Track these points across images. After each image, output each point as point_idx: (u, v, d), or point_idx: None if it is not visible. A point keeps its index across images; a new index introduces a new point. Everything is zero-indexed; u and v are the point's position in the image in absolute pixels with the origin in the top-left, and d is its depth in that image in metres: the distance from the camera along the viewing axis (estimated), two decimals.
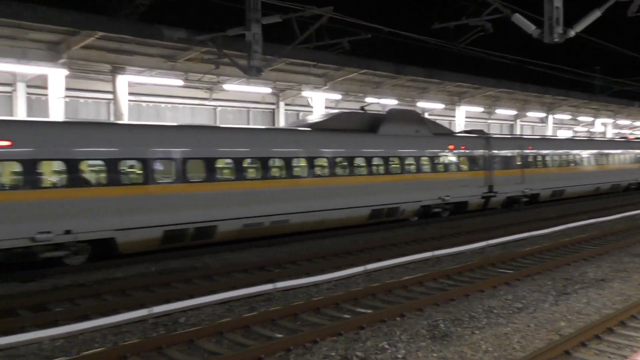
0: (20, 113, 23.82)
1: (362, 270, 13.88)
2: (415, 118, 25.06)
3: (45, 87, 23.06)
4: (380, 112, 28.03)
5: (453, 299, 11.23)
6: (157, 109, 29.14)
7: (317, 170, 19.77)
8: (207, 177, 16.88)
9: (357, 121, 22.89)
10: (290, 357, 8.22)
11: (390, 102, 36.26)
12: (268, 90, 30.77)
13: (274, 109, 34.12)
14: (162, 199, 15.90)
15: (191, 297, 11.40)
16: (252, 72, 20.60)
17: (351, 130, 22.08)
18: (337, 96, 33.36)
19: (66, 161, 14.41)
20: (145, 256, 15.70)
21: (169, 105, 29.56)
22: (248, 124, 32.48)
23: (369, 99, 34.21)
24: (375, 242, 18.10)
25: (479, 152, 26.52)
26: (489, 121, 47.90)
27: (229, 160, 17.52)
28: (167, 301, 11.16)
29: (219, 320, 9.90)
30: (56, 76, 22.41)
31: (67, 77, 22.83)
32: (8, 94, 24.12)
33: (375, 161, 21.76)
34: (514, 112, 47.71)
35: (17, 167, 13.69)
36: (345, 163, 20.79)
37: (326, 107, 33.72)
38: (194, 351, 8.61)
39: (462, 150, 25.64)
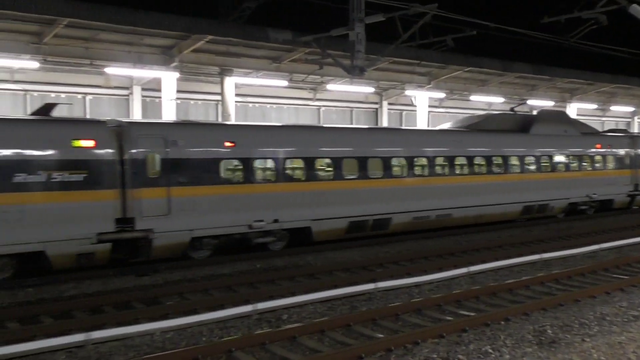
0: (136, 115, 25.11)
1: (465, 271, 13.62)
2: (564, 118, 25.93)
3: (159, 90, 24.18)
4: (529, 113, 28.66)
5: (562, 304, 10.80)
6: (262, 109, 29.82)
7: (476, 169, 21.03)
8: (385, 174, 18.57)
9: (509, 122, 23.96)
10: (390, 358, 8.19)
11: (497, 100, 35.38)
12: (371, 89, 30.76)
13: (377, 109, 34.08)
14: (349, 194, 17.71)
15: (294, 294, 11.61)
16: (355, 72, 20.68)
17: (504, 131, 23.04)
18: (441, 95, 32.87)
19: (274, 160, 16.48)
20: (251, 253, 16.12)
21: (274, 105, 30.18)
22: (351, 123, 32.61)
23: (473, 97, 33.53)
24: (479, 243, 17.70)
25: (625, 151, 26.69)
26: (603, 119, 45.60)
27: (402, 160, 19.16)
28: (271, 298, 11.43)
29: (321, 318, 10.02)
30: (169, 79, 23.47)
31: (178, 79, 23.84)
32: (125, 97, 25.50)
33: (528, 160, 22.72)
34: (631, 109, 45.22)
35: (239, 165, 15.89)
36: (501, 162, 21.80)
37: (430, 106, 33.34)
38: (296, 348, 8.76)
39: (609, 149, 26.07)
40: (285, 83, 26.99)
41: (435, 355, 8.19)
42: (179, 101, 25.03)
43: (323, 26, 21.90)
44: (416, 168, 19.40)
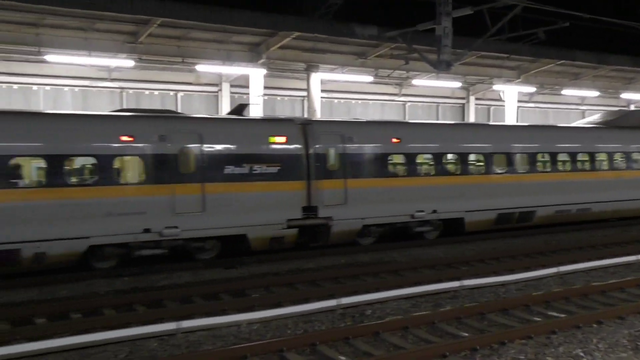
0: (225, 111, 25.76)
1: (555, 272, 13.20)
2: None
3: (247, 86, 24.71)
4: None
5: None
6: (348, 105, 29.91)
7: (616, 165, 21.42)
8: (530, 169, 19.32)
9: None
10: (476, 357, 8.07)
11: (591, 94, 34.03)
12: (458, 84, 30.26)
13: (463, 104, 33.50)
14: (498, 187, 18.64)
15: (378, 290, 11.62)
16: (441, 67, 20.42)
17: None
18: (531, 89, 31.93)
19: (434, 155, 17.63)
20: (335, 249, 16.23)
21: (359, 101, 30.20)
22: (437, 119, 32.19)
23: (565, 91, 32.39)
24: (569, 243, 17.11)
25: None
26: None
27: (546, 155, 19.83)
28: (355, 293, 11.47)
29: (405, 315, 9.99)
30: (256, 76, 23.93)
31: (265, 76, 24.27)
32: (214, 94, 26.20)
33: None
34: None
35: (404, 159, 17.20)
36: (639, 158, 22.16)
37: (519, 101, 32.45)
38: (379, 343, 8.76)
39: None
40: (370, 79, 26.96)
41: (522, 357, 8.01)
42: (265, 97, 25.47)
43: (409, 21, 21.74)
44: (559, 164, 20.10)
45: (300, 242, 15.91)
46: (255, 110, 23.89)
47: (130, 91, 24.71)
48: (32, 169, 12.94)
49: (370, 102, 30.47)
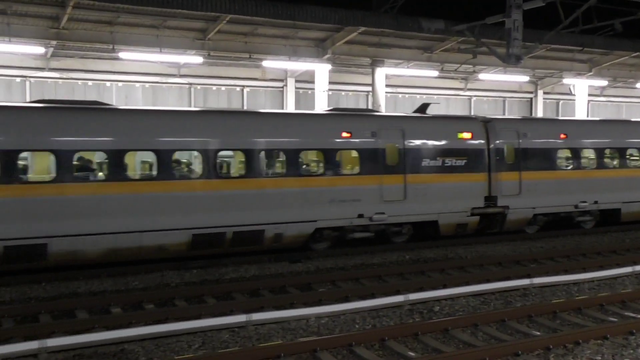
0: (290, 106, 25.98)
1: (630, 271, 12.79)
2: None
3: (311, 82, 24.83)
4: None
5: None
6: (412, 100, 29.68)
7: None
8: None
9: None
10: (549, 356, 7.91)
11: None
12: (526, 78, 29.58)
13: (531, 98, 32.75)
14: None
15: (445, 286, 11.52)
16: (511, 60, 20.00)
17: None
18: (603, 82, 30.91)
19: (595, 150, 18.76)
20: (400, 244, 16.17)
21: (424, 96, 29.93)
22: (504, 114, 31.58)
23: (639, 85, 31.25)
24: None
25: None
26: None
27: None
28: (422, 289, 11.41)
29: (474, 312, 9.88)
30: (321, 71, 24.02)
31: (330, 71, 24.33)
32: (280, 89, 26.45)
33: None
34: None
35: (569, 154, 18.48)
36: None
37: (589, 95, 31.49)
38: (449, 340, 8.71)
39: None
40: (436, 73, 26.66)
41: (599, 357, 7.81)
42: (330, 92, 25.54)
43: (477, 14, 21.37)
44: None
45: (479, 229, 17.32)
46: (320, 105, 24.01)
47: (198, 87, 25.21)
48: (276, 161, 15.03)
49: (435, 96, 30.14)
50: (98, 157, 13.36)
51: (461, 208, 16.58)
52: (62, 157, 12.54)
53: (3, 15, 18.33)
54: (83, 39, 19.99)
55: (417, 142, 16.11)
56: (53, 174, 12.61)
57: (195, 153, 14.10)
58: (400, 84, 28.59)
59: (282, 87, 26.45)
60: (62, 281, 12.29)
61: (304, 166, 15.25)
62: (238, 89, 25.90)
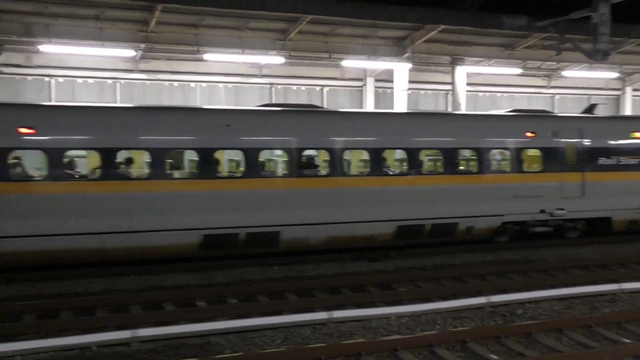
0: (369, 105, 26.03)
1: None
2: None
3: (390, 81, 24.79)
4: None
5: None
6: (493, 98, 29.15)
7: None
8: None
9: None
10: None
11: None
12: (614, 75, 28.50)
13: (618, 96, 31.53)
14: None
15: (528, 289, 11.31)
16: (598, 57, 19.29)
17: None
18: None
19: None
20: (480, 244, 15.96)
21: (505, 94, 29.33)
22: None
23: None
24: None
25: None
26: None
27: None
28: (504, 291, 11.24)
29: (559, 317, 9.67)
30: (401, 70, 23.94)
31: (409, 70, 24.21)
32: (359, 88, 26.54)
33: None
34: None
35: None
36: None
37: None
38: (532, 344, 8.56)
39: None
40: (518, 71, 26.07)
41: None
42: (409, 91, 25.41)
43: (561, 9, 20.74)
44: None
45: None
46: (399, 105, 23.94)
47: (279, 87, 25.62)
48: (470, 158, 16.11)
49: (517, 94, 29.49)
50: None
51: (634, 205, 17.02)
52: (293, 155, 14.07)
53: (96, 20, 19.21)
54: (169, 42, 20.70)
55: (594, 141, 16.68)
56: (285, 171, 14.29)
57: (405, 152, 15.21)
58: (481, 82, 28.12)
59: (362, 87, 26.53)
60: (150, 275, 12.78)
61: (494, 164, 16.12)
62: (318, 88, 26.16)
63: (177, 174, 13.95)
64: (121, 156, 13.26)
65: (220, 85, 24.76)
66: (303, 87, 25.94)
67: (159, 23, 19.62)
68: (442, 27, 21.56)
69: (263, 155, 14.15)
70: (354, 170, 15.60)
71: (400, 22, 21.06)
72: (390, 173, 15.39)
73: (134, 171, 13.67)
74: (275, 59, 22.48)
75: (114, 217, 12.61)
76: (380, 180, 14.81)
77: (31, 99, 22.01)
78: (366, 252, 14.93)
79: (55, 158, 12.38)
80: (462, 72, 24.65)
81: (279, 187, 14.02)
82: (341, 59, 23.09)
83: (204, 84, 24.55)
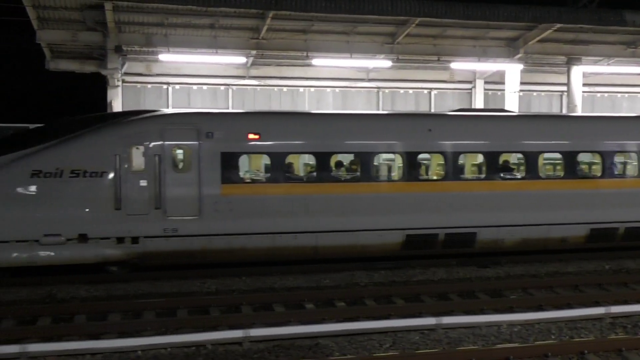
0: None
1: None
2: None
3: (501, 82, 24.14)
4: None
5: None
6: (612, 99, 27.74)
7: None
8: None
9: None
10: None
11: None
12: None
13: None
14: None
15: None
16: None
17: None
18: None
19: None
20: (599, 253, 15.22)
21: (626, 95, 27.83)
22: None
23: None
24: None
25: None
26: None
27: None
28: (626, 302, 10.66)
29: None
30: (512, 71, 23.26)
31: (521, 71, 23.47)
32: (468, 91, 26.04)
33: None
34: None
35: None
36: None
37: None
38: None
39: None
40: None
41: None
42: (521, 93, 24.64)
43: None
44: None
45: None
46: (511, 107, 23.26)
47: (386, 90, 25.57)
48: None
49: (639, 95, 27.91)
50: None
51: None
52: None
53: (211, 29, 19.98)
54: (279, 48, 21.16)
55: None
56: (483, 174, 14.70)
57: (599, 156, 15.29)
58: (599, 82, 26.81)
59: (471, 89, 26.00)
60: (260, 276, 13.10)
61: None
62: (425, 91, 25.91)
63: (383, 176, 14.86)
64: (333, 160, 14.04)
65: (328, 89, 25.02)
66: (410, 91, 25.76)
67: (269, 30, 20.10)
68: (558, 25, 20.75)
69: (462, 159, 14.66)
70: (548, 173, 15.81)
71: (513, 22, 20.47)
72: (584, 176, 15.44)
73: (345, 174, 14.48)
74: (383, 63, 22.46)
75: (328, 217, 13.42)
76: (574, 183, 14.86)
77: (150, 106, 23.15)
78: (475, 258, 14.60)
79: (277, 161, 13.34)
80: (578, 72, 23.58)
81: (477, 189, 14.42)
82: (450, 61, 22.73)
83: (312, 89, 24.90)
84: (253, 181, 13.91)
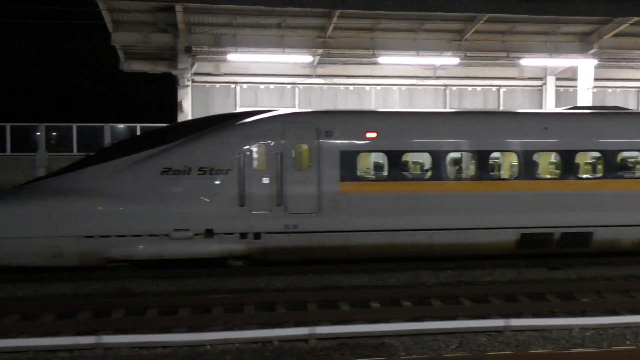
0: (549, 106, 24.83)
1: None
2: None
3: (574, 79, 23.48)
4: None
5: None
6: None
7: None
8: None
9: None
10: None
11: None
12: None
13: None
14: None
15: None
16: None
17: None
18: None
19: None
20: None
21: None
22: None
23: None
24: None
25: None
26: None
27: None
28: None
29: None
30: (586, 67, 22.57)
31: (595, 67, 22.76)
32: (538, 88, 25.42)
33: None
34: None
35: None
36: None
37: None
38: None
39: None
40: None
41: None
42: (595, 90, 23.89)
43: None
44: None
45: None
46: (584, 103, 22.58)
47: (454, 88, 25.25)
48: None
49: None
50: None
51: None
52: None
53: (278, 28, 20.21)
54: (346, 46, 21.24)
55: None
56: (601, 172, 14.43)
57: None
58: None
59: (541, 86, 25.40)
60: (326, 274, 13.14)
61: None
62: (494, 89, 25.47)
63: (498, 175, 14.75)
64: (449, 158, 14.06)
65: (394, 87, 24.90)
66: (479, 88, 25.37)
67: (336, 29, 20.18)
68: (636, 19, 20.02)
69: (578, 157, 14.44)
70: None
71: (587, 16, 19.86)
72: None
73: (460, 172, 14.54)
74: (451, 60, 22.19)
75: (443, 215, 13.57)
76: None
77: (218, 105, 23.62)
78: (546, 260, 14.24)
79: (393, 159, 13.55)
80: None
81: (594, 188, 14.23)
82: (520, 58, 22.27)
83: (378, 87, 24.83)
84: (370, 179, 14.03)
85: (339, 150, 13.18)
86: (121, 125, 26.47)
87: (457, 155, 14.33)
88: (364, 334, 8.90)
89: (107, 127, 25.57)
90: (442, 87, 25.14)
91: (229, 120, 13.76)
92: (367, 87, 24.80)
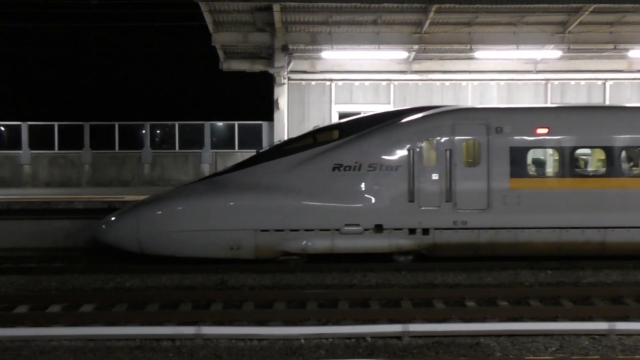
0: None
1: None
2: None
3: None
4: None
5: None
6: None
7: None
8: None
9: None
10: None
11: None
12: None
13: None
14: None
15: None
16: None
17: None
18: None
19: None
20: None
21: None
22: None
23: None
24: None
25: None
26: None
27: None
28: None
29: None
30: None
31: None
32: None
33: None
34: None
35: None
36: None
37: None
38: None
39: None
40: None
41: None
42: None
43: None
44: None
45: None
46: None
47: (556, 82, 24.36)
48: None
49: None
50: None
51: None
52: None
53: (374, 25, 20.21)
54: (442, 42, 20.96)
55: None
56: None
57: None
58: None
59: None
60: (420, 271, 13.04)
61: None
62: (599, 82, 24.33)
63: None
64: (623, 154, 13.64)
65: (492, 83, 24.30)
66: (582, 82, 24.31)
67: (432, 24, 19.94)
68: None
69: None
70: None
71: None
72: None
73: (636, 169, 14.13)
74: (552, 53, 21.43)
75: (617, 213, 13.28)
76: None
77: (314, 102, 23.86)
78: None
79: (565, 156, 13.34)
80: None
81: None
82: (629, 49, 21.19)
83: (475, 82, 24.31)
84: (541, 175, 14.00)
85: (509, 147, 13.11)
86: (220, 123, 27.26)
87: (633, 151, 13.82)
88: (459, 333, 8.79)
89: (207, 124, 26.46)
90: (543, 82, 24.27)
91: (397, 116, 13.88)
92: (464, 83, 24.28)
